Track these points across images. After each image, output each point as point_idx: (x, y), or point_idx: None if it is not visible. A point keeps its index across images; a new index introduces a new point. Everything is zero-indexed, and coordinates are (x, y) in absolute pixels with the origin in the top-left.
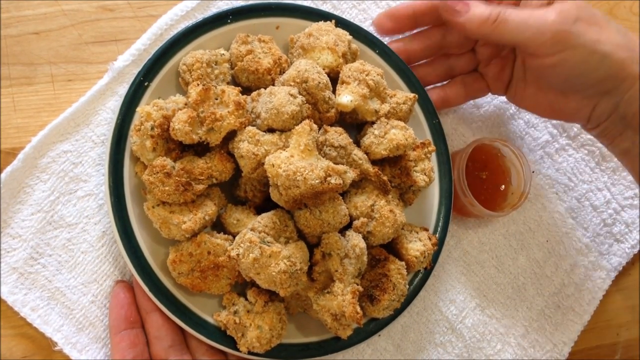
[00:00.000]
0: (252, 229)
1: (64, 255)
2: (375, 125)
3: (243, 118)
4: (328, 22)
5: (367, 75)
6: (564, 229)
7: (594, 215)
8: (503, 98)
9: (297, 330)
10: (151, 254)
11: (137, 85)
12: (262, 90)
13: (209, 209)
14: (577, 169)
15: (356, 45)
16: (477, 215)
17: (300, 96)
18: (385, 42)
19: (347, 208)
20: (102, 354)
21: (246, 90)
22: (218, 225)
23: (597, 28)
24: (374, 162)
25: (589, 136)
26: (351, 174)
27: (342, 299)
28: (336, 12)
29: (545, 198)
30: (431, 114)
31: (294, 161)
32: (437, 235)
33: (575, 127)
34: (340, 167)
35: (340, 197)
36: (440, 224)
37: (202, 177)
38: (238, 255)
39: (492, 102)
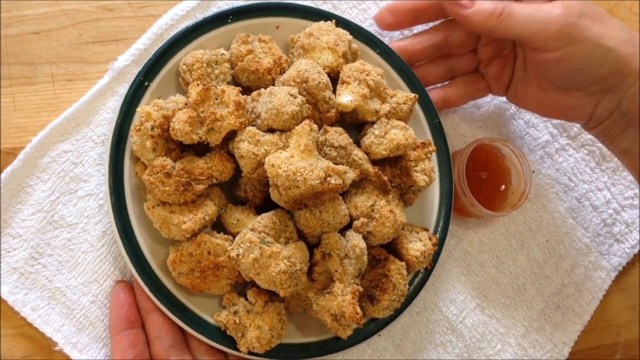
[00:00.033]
0: (252, 229)
1: (65, 255)
2: (375, 125)
3: (243, 118)
4: (328, 21)
5: (367, 75)
6: (564, 229)
7: (594, 215)
8: (503, 98)
9: (297, 330)
10: (151, 254)
11: (138, 85)
12: (262, 90)
13: (209, 209)
14: (577, 169)
15: (357, 45)
16: (477, 215)
17: (301, 96)
18: (386, 42)
19: (347, 208)
20: (103, 354)
21: (246, 90)
22: (218, 225)
23: (601, 23)
24: (374, 162)
25: (589, 136)
26: (351, 174)
27: (342, 300)
28: (336, 12)
29: (546, 198)
30: (432, 113)
31: (293, 161)
32: (437, 236)
33: (576, 127)
34: (340, 168)
35: (341, 197)
36: (440, 224)
37: (202, 177)
38: (238, 255)
39: (492, 102)
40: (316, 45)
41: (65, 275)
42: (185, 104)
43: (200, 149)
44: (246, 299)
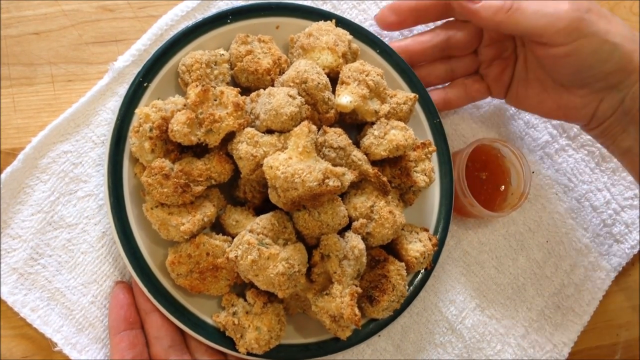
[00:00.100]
0: (251, 231)
1: (64, 256)
2: (375, 126)
3: (242, 119)
4: (328, 21)
5: (367, 75)
6: (563, 229)
7: (594, 215)
8: None
9: (296, 330)
10: (150, 255)
11: (137, 86)
12: (261, 91)
13: (207, 211)
14: (577, 169)
15: (357, 44)
16: (477, 216)
17: (300, 97)
18: (387, 43)
19: (347, 209)
20: (102, 355)
21: (246, 91)
22: (217, 226)
23: (606, 20)
24: (373, 163)
25: (589, 137)
26: (349, 176)
27: (340, 301)
28: (336, 13)
29: (545, 198)
30: (432, 113)
31: (292, 163)
32: (437, 236)
33: (575, 128)
34: (339, 169)
35: (339, 199)
36: (440, 224)
37: (200, 179)
38: (236, 257)
39: (492, 102)
40: (316, 46)
41: (65, 276)
42: (184, 105)
43: (199, 150)
44: (245, 300)
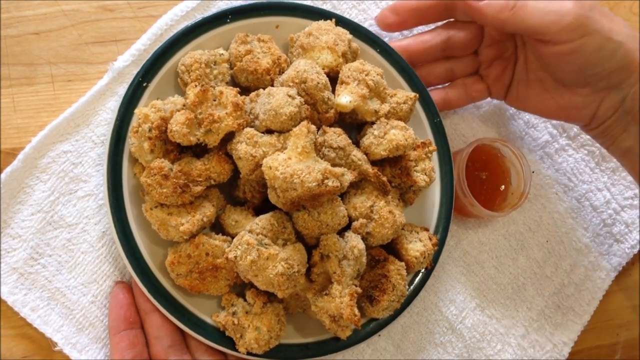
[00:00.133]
0: (250, 231)
1: (64, 256)
2: (374, 126)
3: (241, 119)
4: (328, 21)
5: (366, 75)
6: (563, 229)
7: (594, 215)
8: None
9: (296, 330)
10: (150, 255)
11: (136, 86)
12: (261, 91)
13: (207, 211)
14: (577, 169)
15: (357, 44)
16: (477, 216)
17: (299, 97)
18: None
19: (347, 209)
20: (102, 355)
21: (245, 91)
22: (217, 226)
23: (608, 18)
24: (373, 163)
25: (589, 136)
26: (349, 176)
27: (340, 301)
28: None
29: (545, 198)
30: (433, 113)
31: (291, 163)
32: (437, 235)
33: (575, 128)
34: (338, 170)
35: (339, 199)
36: (441, 223)
37: (200, 179)
38: (236, 257)
39: (492, 102)
40: (315, 45)
41: (65, 276)
42: (183, 105)
43: (199, 151)
44: (245, 300)
